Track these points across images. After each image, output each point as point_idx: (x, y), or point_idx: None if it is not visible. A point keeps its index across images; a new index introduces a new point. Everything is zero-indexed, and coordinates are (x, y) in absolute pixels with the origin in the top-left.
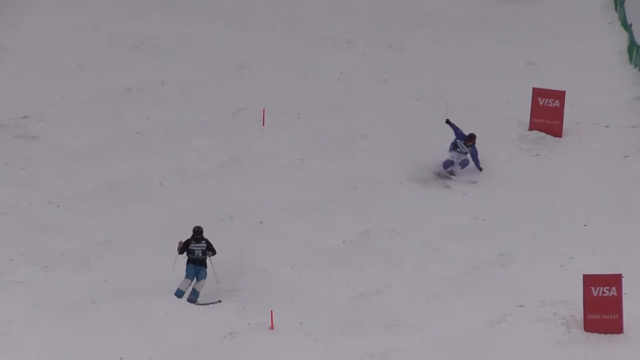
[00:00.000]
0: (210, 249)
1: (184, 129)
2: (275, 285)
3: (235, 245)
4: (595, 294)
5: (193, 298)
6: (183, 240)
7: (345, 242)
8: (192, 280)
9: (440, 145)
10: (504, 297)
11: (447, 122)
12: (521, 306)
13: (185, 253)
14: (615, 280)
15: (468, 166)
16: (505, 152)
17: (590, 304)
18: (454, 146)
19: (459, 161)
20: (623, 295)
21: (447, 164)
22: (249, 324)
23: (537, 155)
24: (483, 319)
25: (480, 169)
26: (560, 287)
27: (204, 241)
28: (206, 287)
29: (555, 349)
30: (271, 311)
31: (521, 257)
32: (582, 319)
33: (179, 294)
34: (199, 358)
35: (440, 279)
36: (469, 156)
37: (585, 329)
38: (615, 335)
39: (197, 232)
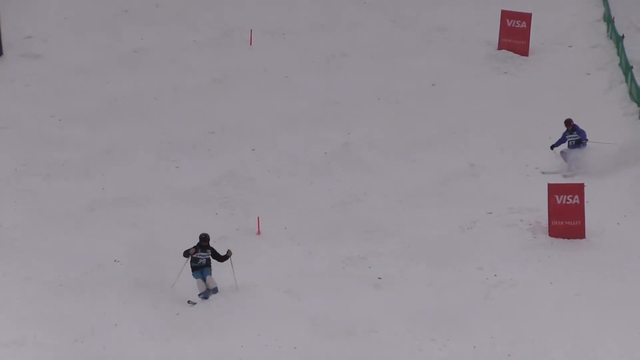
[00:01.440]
0: (216, 257)
1: (177, 48)
2: (262, 193)
3: (224, 157)
4: (559, 202)
5: (215, 293)
6: (190, 250)
7: (326, 153)
8: (203, 279)
9: (417, 64)
10: (474, 204)
11: (552, 148)
12: (490, 213)
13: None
14: (578, 189)
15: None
16: (475, 70)
17: (555, 211)
18: (568, 144)
19: (572, 158)
20: (585, 204)
21: (567, 154)
22: (238, 229)
23: (505, 73)
24: (455, 225)
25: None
26: (527, 195)
27: (209, 250)
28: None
29: (521, 252)
30: (258, 217)
31: (490, 167)
32: (547, 225)
33: (205, 295)
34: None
35: (415, 188)
36: (576, 150)
37: (550, 234)
38: (578, 240)
39: (204, 239)
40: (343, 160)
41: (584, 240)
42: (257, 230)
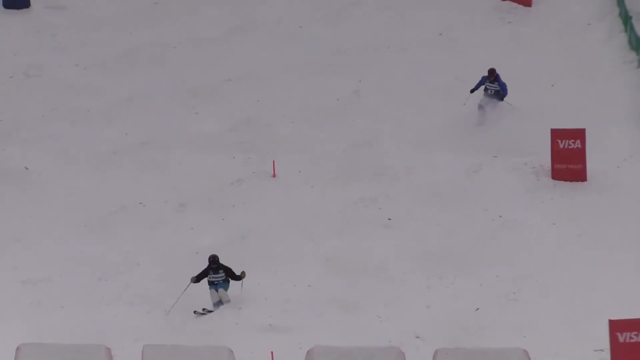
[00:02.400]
0: (231, 276)
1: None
2: (277, 138)
3: (241, 103)
4: (561, 146)
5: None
6: (195, 276)
7: (338, 100)
8: (216, 290)
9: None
10: (480, 148)
11: (471, 91)
12: (495, 157)
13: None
14: (579, 134)
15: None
16: (481, 20)
17: (557, 155)
18: (485, 91)
19: (488, 105)
20: (586, 147)
21: (480, 109)
22: (254, 172)
23: (509, 23)
24: (461, 168)
25: (506, 94)
26: (530, 139)
27: (221, 271)
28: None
29: (525, 194)
30: (273, 161)
31: (494, 113)
32: (550, 168)
33: (217, 305)
34: (209, 201)
35: (424, 133)
36: (495, 100)
37: (553, 177)
38: (580, 182)
39: (213, 261)
40: (354, 106)
41: (585, 182)
42: (272, 173)
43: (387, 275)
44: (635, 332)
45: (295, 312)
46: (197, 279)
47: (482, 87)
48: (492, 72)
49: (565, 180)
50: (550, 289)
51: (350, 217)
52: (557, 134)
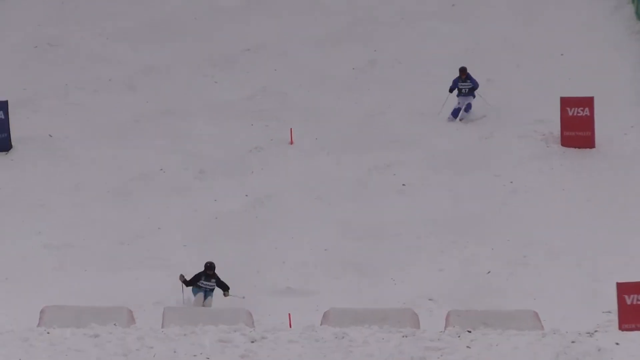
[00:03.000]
0: (220, 286)
1: None
2: (295, 107)
3: (259, 72)
4: (570, 113)
5: None
6: (187, 279)
7: (354, 69)
8: (203, 296)
9: None
10: (492, 116)
11: (450, 91)
12: (506, 125)
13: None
14: (588, 102)
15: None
16: None
17: (566, 122)
18: (458, 91)
19: (464, 106)
20: (595, 115)
21: (455, 112)
22: (272, 140)
23: None
24: (473, 135)
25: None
26: (540, 107)
27: (214, 279)
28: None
29: (535, 161)
30: (291, 129)
31: (506, 82)
32: (559, 135)
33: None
34: (228, 168)
35: (436, 101)
36: (470, 98)
37: (562, 144)
38: (588, 149)
39: (209, 267)
40: (369, 76)
41: (593, 149)
42: (289, 140)
43: (401, 239)
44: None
45: (312, 275)
46: (188, 282)
47: (456, 86)
48: (463, 70)
49: (574, 147)
50: (559, 253)
51: (365, 183)
52: (566, 102)
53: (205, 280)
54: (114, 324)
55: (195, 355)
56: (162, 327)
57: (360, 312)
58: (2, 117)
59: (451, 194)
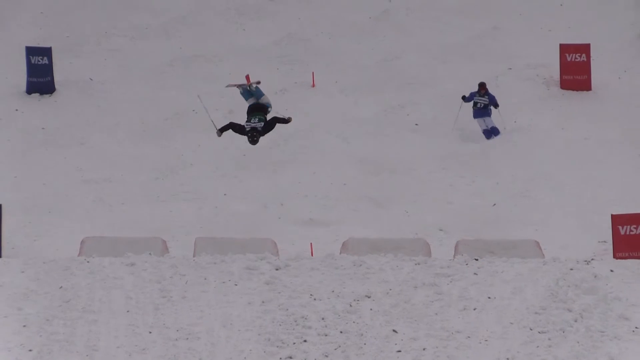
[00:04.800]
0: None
1: None
2: (317, 52)
3: (283, 20)
4: (569, 59)
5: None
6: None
7: (370, 18)
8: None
9: None
10: (497, 61)
11: (463, 98)
12: (510, 69)
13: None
14: (585, 49)
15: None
16: None
17: (565, 67)
18: (474, 106)
19: (490, 126)
20: (591, 60)
21: (487, 133)
22: (295, 82)
23: None
24: (480, 78)
25: (497, 106)
26: (542, 53)
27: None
28: None
29: (537, 102)
30: (312, 72)
31: (510, 29)
32: (559, 79)
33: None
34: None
35: (447, 47)
36: (490, 120)
37: (561, 87)
38: (585, 92)
39: (251, 137)
40: (385, 23)
41: (590, 92)
42: (312, 83)
43: (413, 174)
44: (635, 225)
45: (332, 208)
46: (225, 128)
47: (472, 101)
48: (482, 86)
49: (572, 90)
50: (559, 186)
51: (381, 122)
52: (565, 49)
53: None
54: (149, 253)
55: (224, 282)
56: (194, 256)
57: (377, 241)
58: (47, 62)
59: (460, 132)
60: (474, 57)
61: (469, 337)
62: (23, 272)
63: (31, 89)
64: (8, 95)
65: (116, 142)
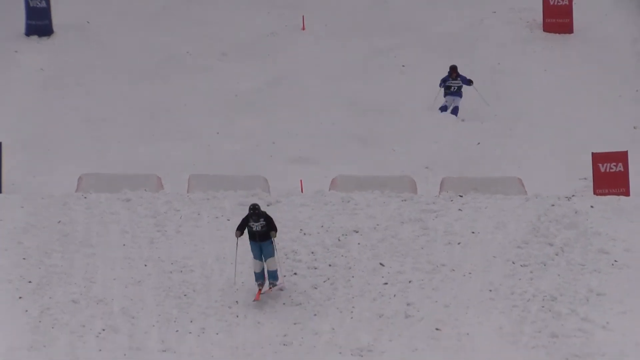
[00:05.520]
0: (270, 224)
1: None
2: None
3: None
4: (552, 3)
5: (273, 282)
6: (238, 229)
7: None
8: (261, 261)
9: None
10: (482, 5)
11: (440, 85)
12: (494, 12)
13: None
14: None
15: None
16: None
17: (548, 10)
18: (447, 89)
19: (450, 108)
20: (573, 4)
21: (443, 108)
22: (286, 26)
23: None
24: (465, 21)
25: (471, 83)
26: None
27: (262, 219)
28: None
29: (520, 45)
30: (302, 16)
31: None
32: (542, 22)
33: (259, 277)
34: (247, 51)
35: None
36: (459, 100)
37: (544, 30)
38: (567, 34)
39: (254, 212)
40: None
41: (572, 34)
42: (302, 26)
43: (400, 114)
44: (614, 163)
45: (321, 147)
46: (241, 231)
47: (445, 82)
48: (454, 69)
49: (555, 33)
50: (541, 126)
51: (369, 64)
52: None
53: (254, 222)
54: (144, 190)
55: (217, 217)
56: (188, 192)
57: (364, 178)
58: (45, 5)
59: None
60: (459, 1)
61: (453, 270)
62: (23, 207)
63: (30, 31)
64: (7, 37)
65: (113, 84)
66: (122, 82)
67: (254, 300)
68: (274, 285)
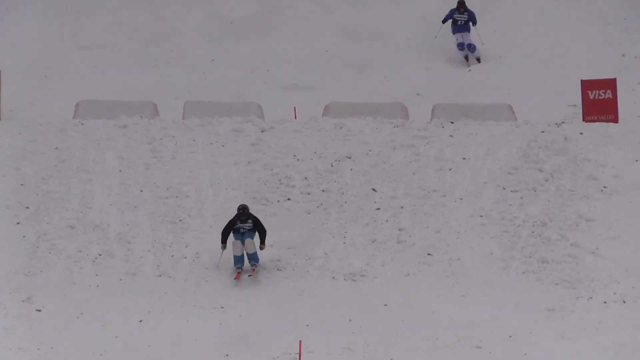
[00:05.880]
0: (258, 228)
1: None
2: None
3: None
4: None
5: (255, 263)
6: (223, 232)
7: None
8: (241, 242)
9: None
10: None
11: (443, 22)
12: None
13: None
14: None
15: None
16: None
17: None
18: (454, 23)
19: (467, 42)
20: None
21: (460, 45)
22: None
23: None
24: None
25: (476, 22)
26: None
27: (250, 220)
28: None
29: None
30: None
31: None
32: None
33: (238, 261)
34: None
35: None
36: (471, 34)
37: None
38: None
39: (242, 213)
40: None
41: None
42: None
43: (392, 42)
44: (603, 90)
45: (314, 73)
46: (224, 233)
47: (451, 19)
48: (462, 3)
49: None
50: (531, 53)
51: None
52: None
53: (241, 224)
54: (141, 116)
55: (212, 143)
56: (183, 118)
57: (357, 105)
58: None
59: (439, 0)
60: None
61: (444, 195)
62: (21, 133)
63: None
64: None
65: (109, 10)
66: (119, 9)
67: (234, 279)
68: (256, 265)
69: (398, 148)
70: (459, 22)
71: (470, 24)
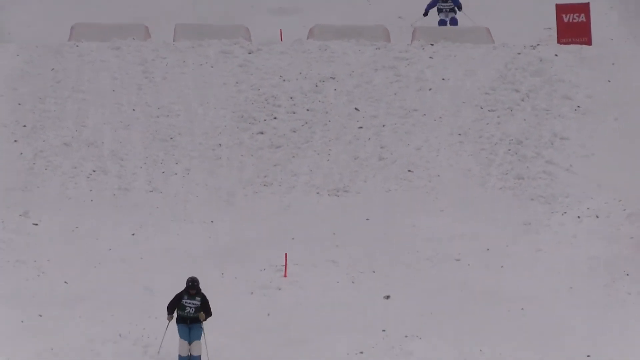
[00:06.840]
0: (204, 308)
1: None
2: None
3: None
4: None
5: None
6: (169, 306)
7: None
8: (188, 342)
9: None
10: None
11: (424, 15)
12: None
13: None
14: None
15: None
16: None
17: None
18: (438, 11)
19: (448, 19)
20: None
21: (441, 23)
22: None
23: None
24: None
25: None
26: None
27: (198, 297)
28: None
29: None
30: None
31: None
32: None
33: None
34: None
35: None
36: (454, 13)
37: None
38: None
39: (192, 285)
40: None
41: None
42: None
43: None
44: (577, 14)
45: None
46: (170, 308)
47: (435, 8)
48: None
49: None
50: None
51: None
52: None
53: (189, 299)
54: (133, 38)
55: (201, 65)
56: (174, 40)
57: (341, 28)
58: None
59: None
60: None
61: (424, 114)
62: (18, 55)
63: None
64: None
65: None
66: None
67: None
68: None
69: (380, 69)
70: (444, 10)
71: (456, 8)
